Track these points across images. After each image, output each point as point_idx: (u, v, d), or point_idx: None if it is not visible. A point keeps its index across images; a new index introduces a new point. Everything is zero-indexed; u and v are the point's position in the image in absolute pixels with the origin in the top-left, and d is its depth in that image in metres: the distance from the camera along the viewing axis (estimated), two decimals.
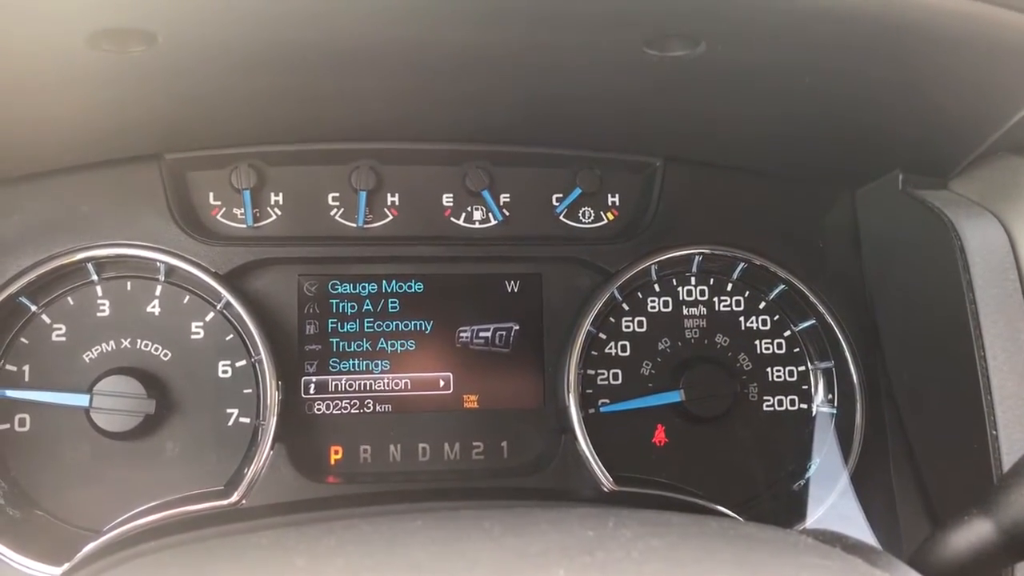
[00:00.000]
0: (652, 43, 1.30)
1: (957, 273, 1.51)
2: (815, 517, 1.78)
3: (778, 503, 1.85)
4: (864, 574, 0.93)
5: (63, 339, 1.76)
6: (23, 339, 1.75)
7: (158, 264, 1.76)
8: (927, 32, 1.21)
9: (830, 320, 1.85)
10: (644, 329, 1.89)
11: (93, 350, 1.76)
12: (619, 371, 1.87)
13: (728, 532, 1.01)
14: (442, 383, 1.86)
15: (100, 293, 1.78)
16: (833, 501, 1.79)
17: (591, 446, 1.78)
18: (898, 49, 1.28)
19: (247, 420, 1.78)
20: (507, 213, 1.90)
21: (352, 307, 1.86)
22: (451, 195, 1.90)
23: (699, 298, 1.90)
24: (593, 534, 0.93)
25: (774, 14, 1.18)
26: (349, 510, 1.53)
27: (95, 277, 1.77)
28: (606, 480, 1.77)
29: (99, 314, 1.77)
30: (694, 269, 1.90)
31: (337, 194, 1.87)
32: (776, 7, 1.16)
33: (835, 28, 1.22)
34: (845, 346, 1.84)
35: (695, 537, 1.00)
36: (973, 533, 1.09)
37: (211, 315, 1.80)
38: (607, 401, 1.86)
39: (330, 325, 1.85)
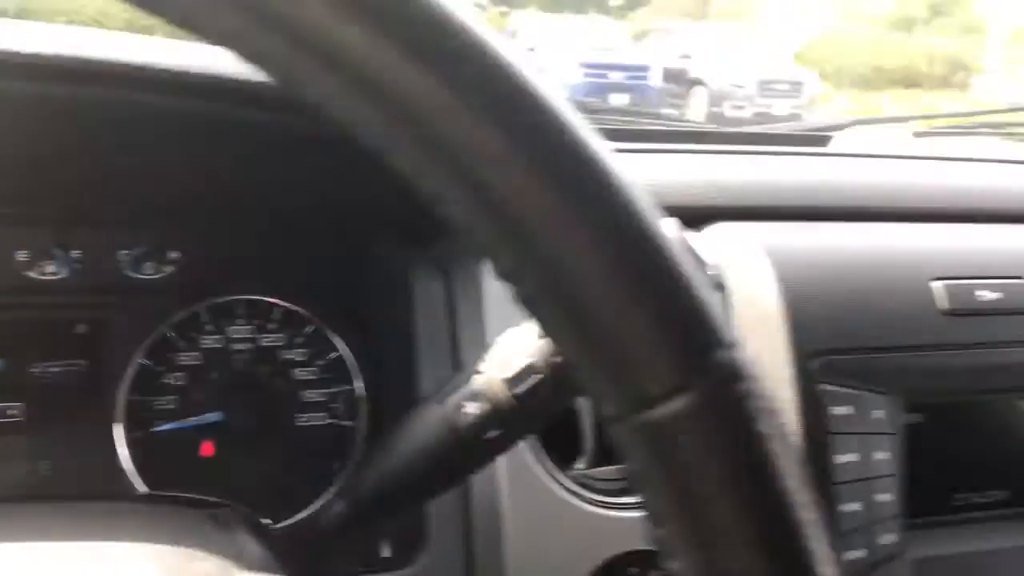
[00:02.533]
0: None
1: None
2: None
3: (317, 510, 2.23)
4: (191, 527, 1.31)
5: None
6: None
7: None
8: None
9: (348, 350, 2.29)
10: (198, 362, 2.25)
11: None
12: (173, 397, 2.22)
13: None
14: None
15: None
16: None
17: (132, 460, 2.12)
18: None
19: None
20: (78, 267, 2.21)
21: None
22: (26, 252, 2.19)
23: (245, 336, 2.29)
24: None
25: None
26: None
27: None
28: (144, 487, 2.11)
29: None
30: (241, 311, 2.29)
31: None
32: None
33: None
34: (360, 371, 2.28)
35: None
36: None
37: None
38: (161, 423, 2.20)
39: None
